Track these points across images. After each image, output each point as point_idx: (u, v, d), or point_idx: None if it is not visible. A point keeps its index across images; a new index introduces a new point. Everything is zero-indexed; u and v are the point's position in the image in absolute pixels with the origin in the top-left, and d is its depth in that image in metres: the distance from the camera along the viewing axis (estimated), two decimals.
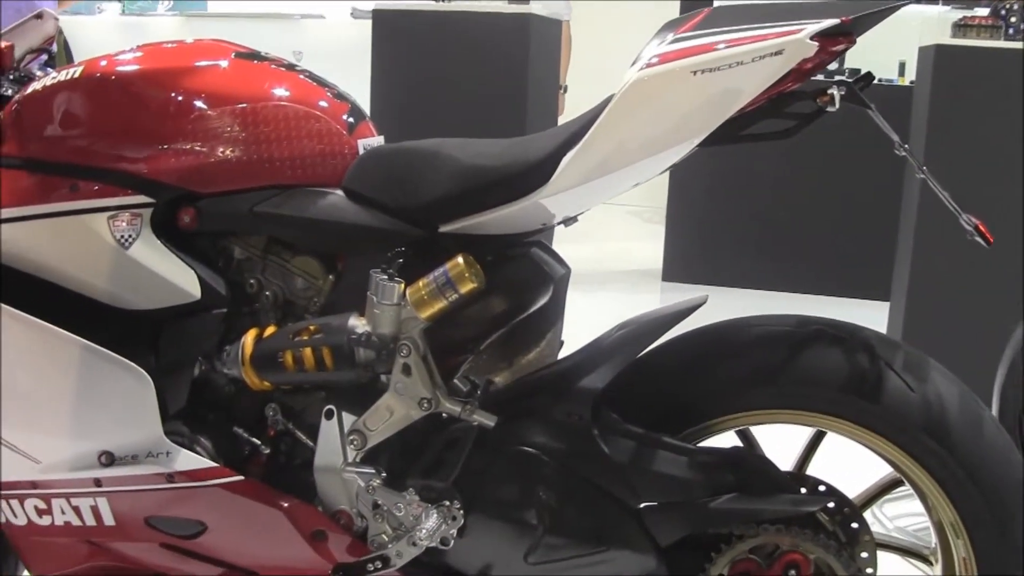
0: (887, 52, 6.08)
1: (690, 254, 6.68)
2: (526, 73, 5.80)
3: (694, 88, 1.67)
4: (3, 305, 1.98)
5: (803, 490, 1.87)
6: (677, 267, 6.72)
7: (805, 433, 1.99)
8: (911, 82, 6.18)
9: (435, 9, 5.90)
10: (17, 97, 2.06)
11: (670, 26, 1.78)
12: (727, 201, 6.59)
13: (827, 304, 6.08)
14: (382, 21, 5.99)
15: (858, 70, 6.07)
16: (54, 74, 2.04)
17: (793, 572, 1.83)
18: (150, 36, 8.25)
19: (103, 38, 8.13)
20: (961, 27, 4.51)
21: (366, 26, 6.17)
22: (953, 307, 4.48)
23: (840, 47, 1.72)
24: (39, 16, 2.37)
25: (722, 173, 6.36)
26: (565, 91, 6.96)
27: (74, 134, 1.99)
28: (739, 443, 1.99)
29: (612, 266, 6.78)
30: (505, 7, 5.82)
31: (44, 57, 2.46)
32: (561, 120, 6.63)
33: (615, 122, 1.72)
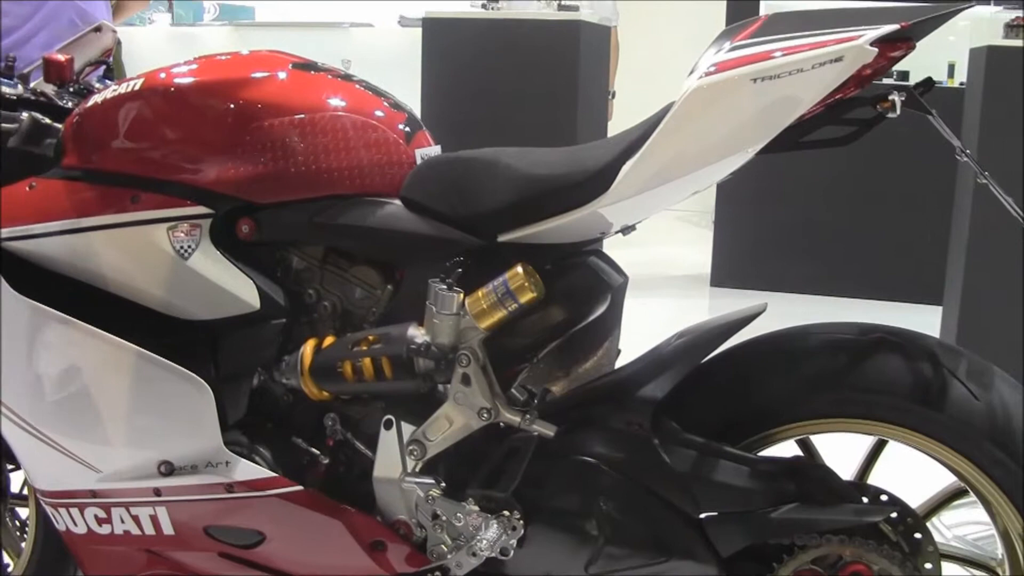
0: (936, 54, 6.03)
1: (739, 259, 6.65)
2: (576, 80, 5.79)
3: (754, 96, 1.66)
4: (64, 315, 1.99)
5: (865, 500, 1.85)
6: (726, 272, 6.69)
7: (866, 442, 1.97)
8: (961, 84, 6.14)
9: (484, 17, 5.90)
10: (78, 109, 2.07)
11: (727, 34, 1.77)
12: (776, 205, 6.55)
13: (877, 308, 6.02)
14: (432, 29, 6.00)
15: (906, 73, 6.03)
16: (114, 86, 2.05)
17: None
18: (200, 46, 8.29)
19: (154, 48, 8.19)
20: (1013, 28, 4.47)
21: (414, 34, 6.19)
22: (1008, 311, 4.42)
23: (899, 53, 1.70)
24: (98, 29, 2.39)
25: (771, 177, 6.32)
26: (613, 97, 6.95)
27: (134, 146, 2.00)
28: (799, 452, 1.97)
29: (660, 271, 6.76)
30: (555, 14, 5.81)
31: (102, 69, 2.48)
32: (610, 127, 6.64)
33: (675, 131, 1.71)
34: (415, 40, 6.06)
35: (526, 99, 5.81)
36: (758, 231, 6.63)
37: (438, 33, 5.96)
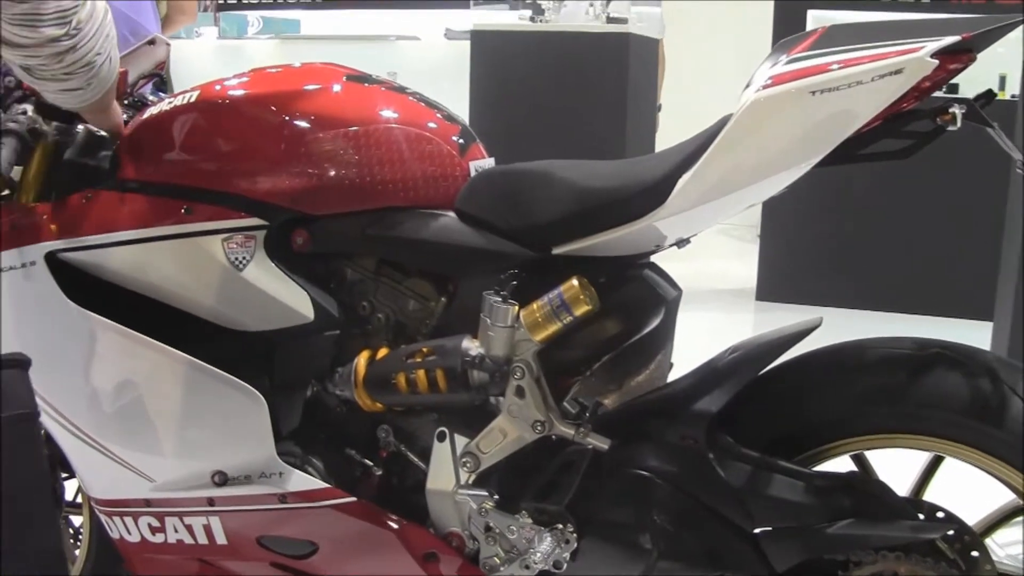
0: (986, 65, 5.98)
1: (785, 273, 6.60)
2: (625, 92, 5.79)
3: (812, 108, 1.65)
4: (120, 326, 2.01)
5: (921, 516, 1.83)
6: (772, 286, 6.64)
7: (921, 458, 1.95)
8: (1013, 96, 6.09)
9: (533, 29, 5.91)
10: (133, 122, 2.09)
11: (783, 47, 1.76)
12: (823, 218, 6.50)
13: (926, 324, 5.96)
14: (480, 41, 6.01)
15: (955, 85, 5.98)
16: (170, 99, 2.07)
17: None
18: (248, 59, 8.34)
19: (202, 62, 8.24)
20: None
21: (460, 47, 6.20)
22: None
23: (959, 65, 1.68)
24: (152, 42, 2.40)
25: (818, 189, 6.27)
26: (659, 109, 6.94)
27: (190, 158, 2.01)
28: (854, 468, 1.96)
29: (705, 285, 6.73)
30: (604, 26, 5.81)
31: (156, 82, 2.49)
32: (657, 139, 6.63)
33: (732, 144, 1.70)
34: (461, 53, 6.07)
35: (575, 112, 5.81)
36: (805, 245, 6.59)
37: (486, 46, 5.97)
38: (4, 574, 1.36)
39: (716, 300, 6.45)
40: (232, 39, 9.53)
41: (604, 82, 5.78)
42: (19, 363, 1.47)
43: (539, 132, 5.70)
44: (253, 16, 10.18)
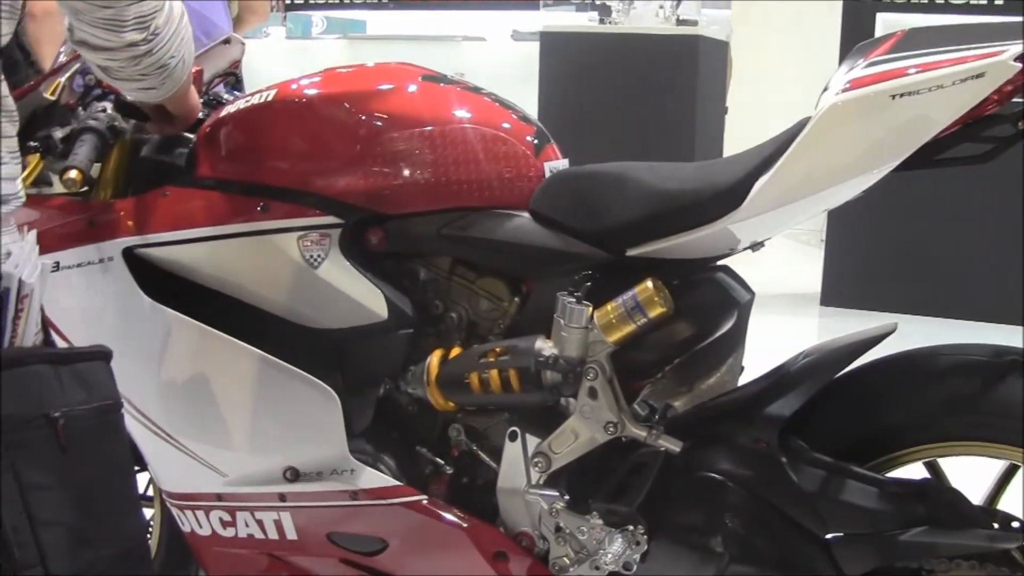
0: None
1: (851, 278, 6.52)
2: (694, 95, 5.78)
3: (892, 112, 1.64)
4: (196, 322, 2.03)
5: (995, 526, 1.81)
6: (837, 291, 6.57)
7: (995, 467, 1.93)
8: None
9: (602, 31, 5.91)
10: (210, 120, 2.11)
11: (862, 50, 1.75)
12: (891, 222, 6.42)
13: (1000, 332, 5.87)
14: (550, 43, 6.02)
15: None
16: (247, 97, 2.09)
17: None
18: (317, 59, 8.38)
19: (271, 61, 8.29)
20: None
21: (527, 48, 6.21)
22: None
23: None
24: (227, 41, 2.42)
25: (886, 192, 6.18)
26: (726, 112, 6.92)
27: (267, 156, 2.03)
28: (927, 475, 1.94)
29: (768, 290, 6.68)
30: (673, 28, 5.80)
31: (230, 80, 2.51)
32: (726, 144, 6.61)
33: (811, 148, 1.70)
34: (527, 54, 6.08)
35: (644, 114, 5.80)
36: (871, 249, 6.51)
37: (556, 47, 5.98)
38: (91, 562, 1.38)
39: (780, 305, 6.40)
40: (299, 39, 9.60)
41: (673, 84, 5.77)
42: (102, 355, 1.49)
43: (608, 134, 5.70)
44: (317, 16, 10.26)
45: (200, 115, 2.22)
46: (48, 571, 1.32)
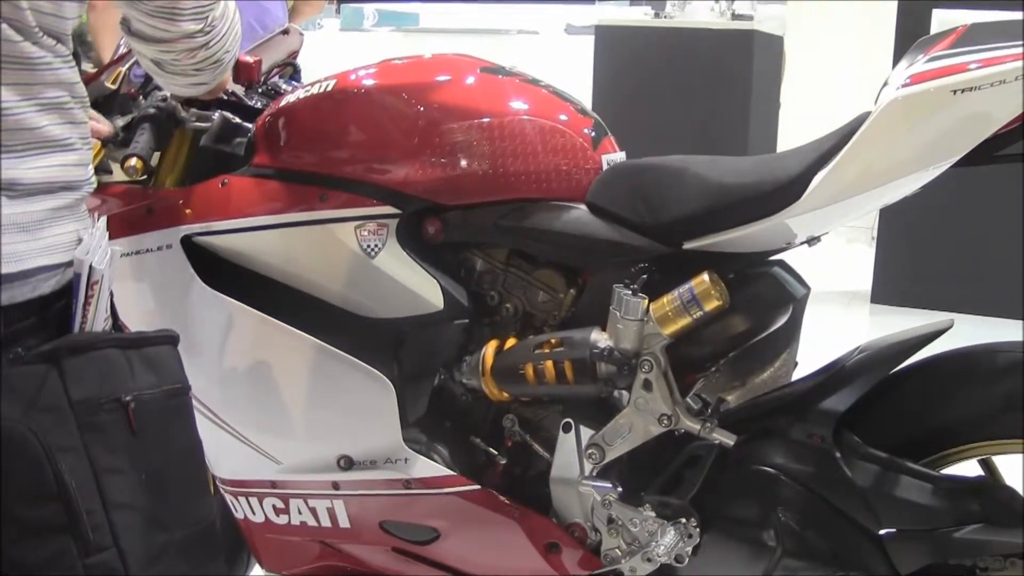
0: None
1: (903, 275, 6.46)
2: (749, 90, 5.77)
3: (953, 108, 1.63)
4: (252, 309, 2.05)
5: None
6: (888, 289, 6.52)
7: None
8: None
9: (657, 25, 5.91)
10: (269, 110, 2.13)
11: (922, 46, 1.74)
12: (941, 220, 6.36)
13: None
14: (604, 37, 6.02)
15: None
16: (306, 87, 2.10)
17: None
18: (370, 51, 8.43)
19: (325, 53, 8.33)
20: None
21: (580, 41, 6.21)
22: None
23: None
24: (285, 32, 2.44)
25: (939, 188, 6.11)
26: (779, 108, 6.90)
27: (325, 146, 2.05)
28: (981, 472, 1.93)
29: (817, 287, 6.65)
30: (728, 23, 5.79)
31: (288, 71, 2.53)
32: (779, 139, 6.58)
33: (871, 142, 1.69)
34: (580, 48, 6.09)
35: (698, 108, 5.79)
36: (922, 247, 6.45)
37: (610, 41, 5.98)
38: (164, 545, 1.40)
39: (830, 303, 6.35)
40: (353, 31, 9.63)
41: (727, 79, 5.75)
42: (170, 339, 1.51)
43: (662, 129, 5.69)
44: (369, 9, 10.29)
45: (259, 105, 2.25)
46: (123, 554, 1.33)
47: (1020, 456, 1.85)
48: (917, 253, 6.45)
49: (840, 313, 6.06)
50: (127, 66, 2.27)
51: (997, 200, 6.23)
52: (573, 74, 6.03)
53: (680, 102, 5.83)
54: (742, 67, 5.75)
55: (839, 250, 7.93)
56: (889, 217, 6.58)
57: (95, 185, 1.47)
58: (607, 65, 5.98)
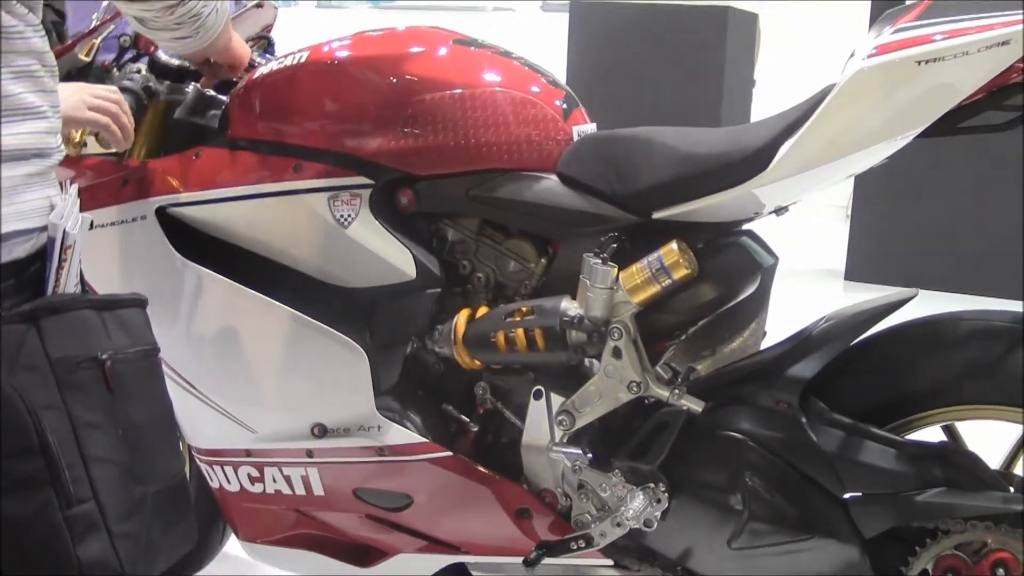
0: None
1: (876, 253, 6.50)
2: (723, 67, 5.79)
3: (917, 79, 1.66)
4: (226, 279, 2.06)
5: (1011, 489, 1.84)
6: (861, 266, 6.56)
7: (1012, 433, 1.95)
8: None
9: (632, 2, 5.91)
10: (243, 82, 2.14)
11: (888, 18, 1.76)
12: (915, 198, 6.40)
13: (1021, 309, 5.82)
14: (579, 14, 6.02)
15: None
16: (280, 59, 2.11)
17: (1001, 571, 1.79)
18: (346, 25, 8.40)
19: (299, 28, 8.31)
20: None
21: (555, 19, 6.22)
22: None
23: None
24: (259, 5, 2.45)
25: (912, 168, 6.15)
26: (753, 85, 6.91)
27: (299, 117, 2.06)
28: (944, 438, 1.96)
29: (791, 265, 6.67)
30: (703, 1, 5.81)
31: (262, 44, 2.54)
32: (752, 116, 6.59)
33: (835, 112, 1.72)
34: (556, 25, 6.09)
35: (672, 87, 5.80)
36: (896, 225, 6.49)
37: (586, 18, 5.98)
38: (140, 498, 1.43)
39: (804, 280, 6.39)
40: (329, 5, 9.59)
41: (701, 56, 5.76)
42: (139, 302, 1.53)
43: (635, 107, 5.70)
44: None
45: (233, 78, 2.26)
46: (101, 506, 1.36)
47: (982, 422, 1.88)
48: (891, 231, 6.49)
49: (814, 290, 6.08)
50: (100, 39, 2.28)
51: (970, 180, 6.28)
52: (548, 51, 6.04)
53: (654, 82, 5.84)
54: (716, 44, 5.76)
55: (815, 229, 7.98)
56: (862, 195, 6.62)
57: (64, 153, 1.49)
58: (582, 41, 5.98)
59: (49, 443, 1.32)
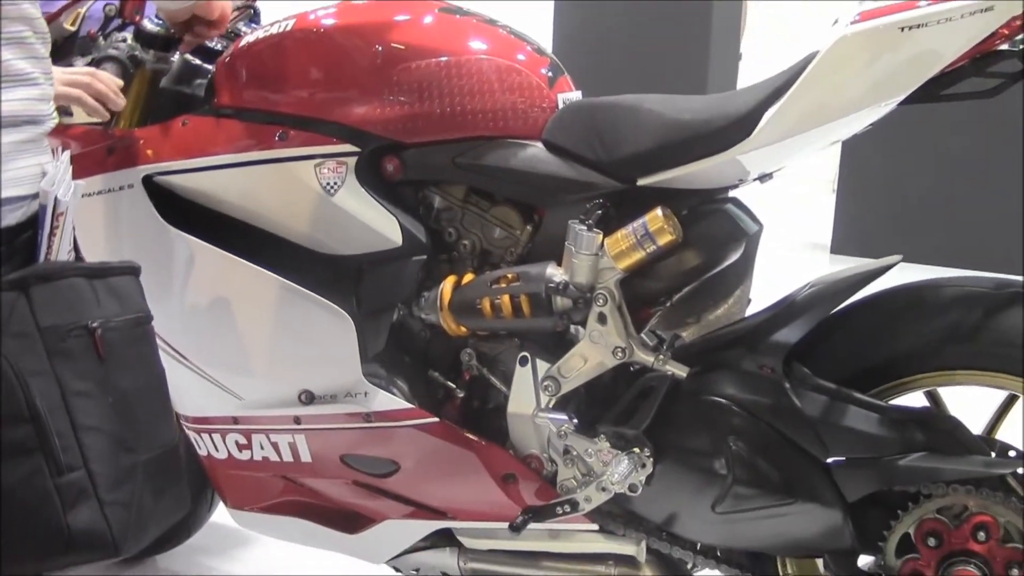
0: None
1: (863, 226, 6.51)
2: (708, 40, 5.78)
3: (900, 45, 1.67)
4: (213, 247, 2.07)
5: (992, 454, 1.85)
6: (848, 239, 6.57)
7: (994, 399, 1.97)
8: None
9: None
10: (230, 50, 2.14)
11: None
12: (901, 172, 6.41)
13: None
14: None
15: None
16: (266, 28, 2.12)
17: (982, 534, 1.81)
18: None
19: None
20: None
21: None
22: None
23: None
24: None
25: (899, 141, 6.17)
26: (739, 59, 6.91)
27: (285, 85, 2.06)
28: (926, 403, 1.97)
29: (777, 239, 6.69)
30: None
31: (248, 14, 2.54)
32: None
33: (819, 79, 1.73)
34: None
35: (657, 59, 5.78)
36: (884, 198, 6.50)
37: None
38: (131, 466, 1.43)
39: (789, 254, 6.40)
40: None
41: (687, 28, 5.75)
42: (132, 270, 1.54)
43: (621, 79, 5.70)
44: None
45: (219, 47, 2.26)
46: (91, 474, 1.37)
47: (964, 387, 1.90)
48: (876, 205, 6.50)
49: (800, 264, 6.09)
50: (85, 8, 2.28)
51: (957, 153, 6.28)
52: (534, 19, 6.04)
53: (639, 51, 5.83)
54: (701, 16, 5.75)
55: (801, 202, 7.99)
56: (849, 169, 6.63)
57: (56, 120, 1.49)
58: (567, 12, 5.97)
59: (39, 410, 1.33)
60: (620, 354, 1.90)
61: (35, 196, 1.41)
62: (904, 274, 1.90)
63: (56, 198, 1.42)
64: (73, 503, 1.36)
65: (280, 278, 2.04)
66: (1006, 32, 1.66)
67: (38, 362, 1.34)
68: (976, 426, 1.91)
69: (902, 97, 1.74)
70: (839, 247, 6.62)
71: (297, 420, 2.11)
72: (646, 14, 5.96)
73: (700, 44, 5.89)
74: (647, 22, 5.96)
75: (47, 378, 1.35)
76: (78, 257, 1.53)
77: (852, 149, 6.54)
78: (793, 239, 6.87)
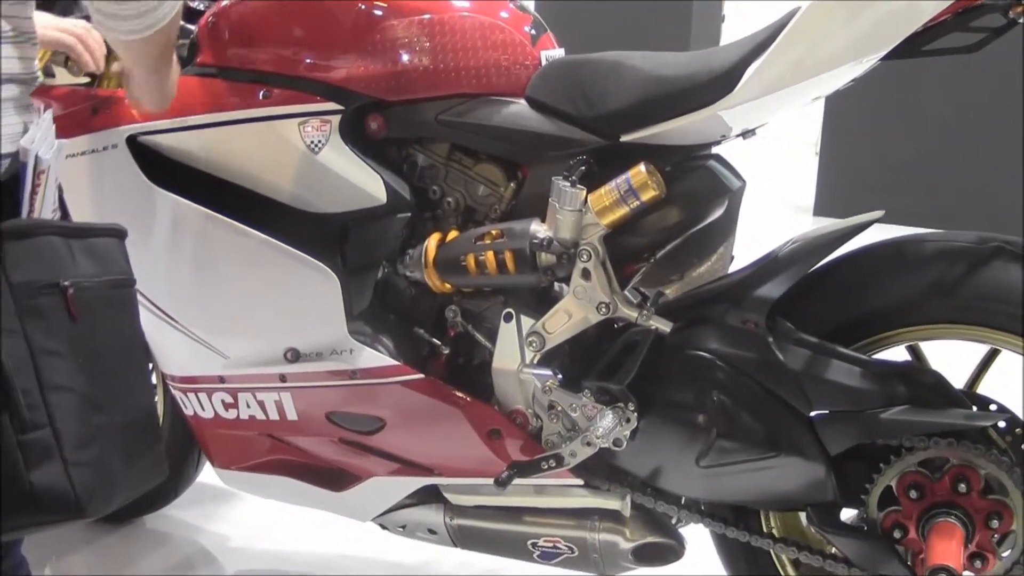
0: None
1: (845, 189, 6.51)
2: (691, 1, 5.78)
3: (882, 1, 1.67)
4: (198, 206, 2.07)
5: (974, 408, 1.86)
6: (831, 202, 6.57)
7: (975, 354, 1.98)
8: None
9: None
10: (212, 10, 2.14)
11: None
12: (884, 134, 6.42)
13: None
14: None
15: None
16: None
17: (962, 486, 1.82)
18: None
19: None
20: None
21: None
22: None
23: None
24: None
25: (882, 104, 6.18)
26: (723, 20, 6.91)
27: (267, 44, 2.07)
28: (908, 357, 1.99)
29: (760, 201, 6.70)
30: None
31: None
32: None
33: (800, 35, 1.73)
34: None
35: (638, 23, 5.78)
36: (866, 161, 6.51)
37: None
38: (100, 427, 1.43)
39: (772, 216, 6.41)
40: None
41: None
42: (117, 232, 1.54)
43: (604, 39, 5.72)
44: None
45: (201, 7, 2.25)
46: (57, 433, 1.37)
47: (946, 341, 1.91)
48: (859, 167, 6.51)
49: (783, 226, 6.10)
50: None
51: (940, 116, 6.28)
52: None
53: (622, 13, 5.82)
54: None
55: (784, 164, 7.99)
56: (832, 131, 6.63)
57: (40, 80, 1.49)
58: None
59: (3, 367, 1.33)
60: (604, 310, 1.91)
61: (17, 154, 1.41)
62: (887, 235, 1.90)
63: (37, 156, 1.41)
64: (37, 461, 1.35)
65: (265, 236, 2.04)
66: None
67: (7, 319, 1.34)
68: (958, 381, 1.92)
69: (884, 52, 1.74)
70: (822, 209, 6.63)
71: (283, 378, 2.12)
72: None
73: (683, 5, 5.89)
74: None
75: (15, 335, 1.34)
76: (64, 216, 1.52)
77: (835, 112, 6.55)
78: (776, 201, 6.87)
